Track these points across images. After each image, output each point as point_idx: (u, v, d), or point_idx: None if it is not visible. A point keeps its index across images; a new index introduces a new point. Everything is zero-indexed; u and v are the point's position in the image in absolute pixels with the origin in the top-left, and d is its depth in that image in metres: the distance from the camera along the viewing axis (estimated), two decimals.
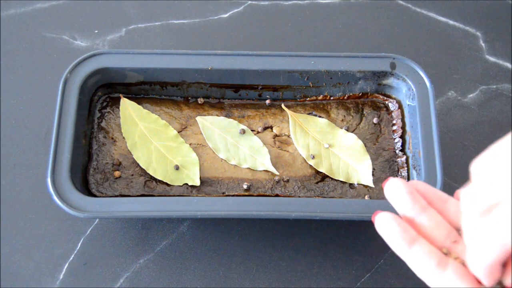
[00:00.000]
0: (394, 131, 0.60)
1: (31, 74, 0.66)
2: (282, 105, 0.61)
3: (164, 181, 0.57)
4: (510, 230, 0.29)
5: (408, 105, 0.59)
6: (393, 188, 0.34)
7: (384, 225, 0.33)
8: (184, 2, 0.73)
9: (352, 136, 0.59)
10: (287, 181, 0.57)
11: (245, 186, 0.56)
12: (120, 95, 0.61)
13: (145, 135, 0.59)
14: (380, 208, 0.51)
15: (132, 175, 0.57)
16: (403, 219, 0.33)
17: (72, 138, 0.54)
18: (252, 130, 0.60)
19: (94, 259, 0.56)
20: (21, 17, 0.71)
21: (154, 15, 0.71)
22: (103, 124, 0.59)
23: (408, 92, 0.59)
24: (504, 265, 0.32)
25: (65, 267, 0.56)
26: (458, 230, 0.34)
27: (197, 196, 0.56)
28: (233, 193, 0.57)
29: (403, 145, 0.59)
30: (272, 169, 0.58)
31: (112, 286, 0.55)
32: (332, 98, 0.62)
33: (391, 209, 0.51)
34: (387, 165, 0.59)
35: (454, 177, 0.61)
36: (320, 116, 0.61)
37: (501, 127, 0.64)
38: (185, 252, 0.57)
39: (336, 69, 0.59)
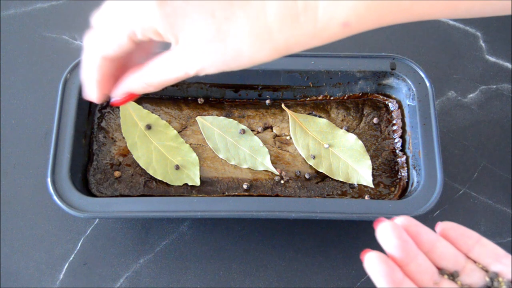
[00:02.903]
0: (394, 131, 0.60)
1: (31, 74, 0.66)
2: (282, 105, 0.61)
3: (164, 181, 0.57)
4: None
5: (408, 105, 0.59)
6: (385, 233, 0.35)
7: (373, 265, 0.34)
8: None
9: (352, 136, 0.59)
10: (287, 181, 0.57)
11: (245, 186, 0.56)
12: None
13: (145, 135, 0.59)
14: (380, 209, 0.51)
15: (132, 175, 0.57)
16: (392, 260, 0.35)
17: (72, 138, 0.54)
18: (252, 130, 0.60)
19: (94, 259, 0.56)
20: (21, 17, 0.71)
21: None
22: (103, 124, 0.59)
23: (408, 92, 0.59)
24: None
25: (65, 267, 0.56)
26: (440, 270, 0.36)
27: (197, 196, 0.56)
28: (233, 193, 0.57)
29: (403, 145, 0.59)
30: (272, 169, 0.58)
31: (112, 286, 0.55)
32: (332, 98, 0.62)
33: (391, 211, 0.51)
34: (387, 165, 0.59)
35: (454, 177, 0.61)
36: (320, 116, 0.61)
37: (501, 127, 0.64)
38: (185, 252, 0.57)
39: (336, 69, 0.59)
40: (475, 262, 0.36)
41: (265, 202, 0.52)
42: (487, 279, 0.35)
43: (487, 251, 0.36)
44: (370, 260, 0.34)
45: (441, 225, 0.37)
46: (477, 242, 0.36)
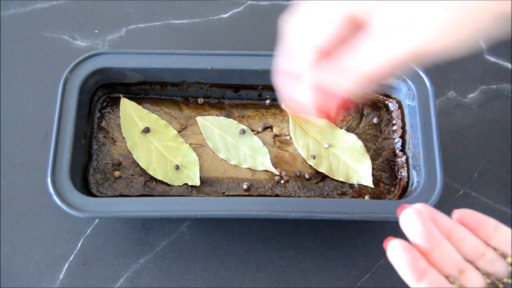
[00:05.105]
0: (394, 131, 0.60)
1: (31, 74, 0.66)
2: (282, 105, 0.61)
3: (164, 181, 0.57)
4: None
5: (408, 105, 0.59)
6: (409, 220, 0.34)
7: (396, 254, 0.33)
8: (184, 2, 0.73)
9: (352, 136, 0.59)
10: (287, 181, 0.57)
11: (245, 186, 0.56)
12: (120, 95, 0.61)
13: (145, 135, 0.59)
14: (380, 209, 0.51)
15: (132, 175, 0.57)
16: (416, 247, 0.34)
17: (72, 138, 0.54)
18: (252, 130, 0.60)
19: (94, 259, 0.56)
20: (21, 17, 0.71)
21: (154, 15, 0.71)
22: (103, 124, 0.59)
23: (408, 92, 0.59)
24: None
25: (65, 267, 0.56)
26: (466, 260, 0.35)
27: (197, 196, 0.56)
28: (233, 193, 0.57)
29: (403, 145, 0.59)
30: (272, 169, 0.58)
31: (112, 286, 0.55)
32: None
33: (391, 211, 0.51)
34: (387, 165, 0.59)
35: (454, 177, 0.61)
36: None
37: (501, 127, 0.64)
38: (185, 252, 0.57)
39: None
40: (495, 249, 0.35)
41: (265, 202, 0.52)
42: (510, 268, 0.34)
43: (507, 237, 0.35)
44: (393, 248, 0.34)
45: (458, 212, 0.36)
46: (496, 229, 0.35)
